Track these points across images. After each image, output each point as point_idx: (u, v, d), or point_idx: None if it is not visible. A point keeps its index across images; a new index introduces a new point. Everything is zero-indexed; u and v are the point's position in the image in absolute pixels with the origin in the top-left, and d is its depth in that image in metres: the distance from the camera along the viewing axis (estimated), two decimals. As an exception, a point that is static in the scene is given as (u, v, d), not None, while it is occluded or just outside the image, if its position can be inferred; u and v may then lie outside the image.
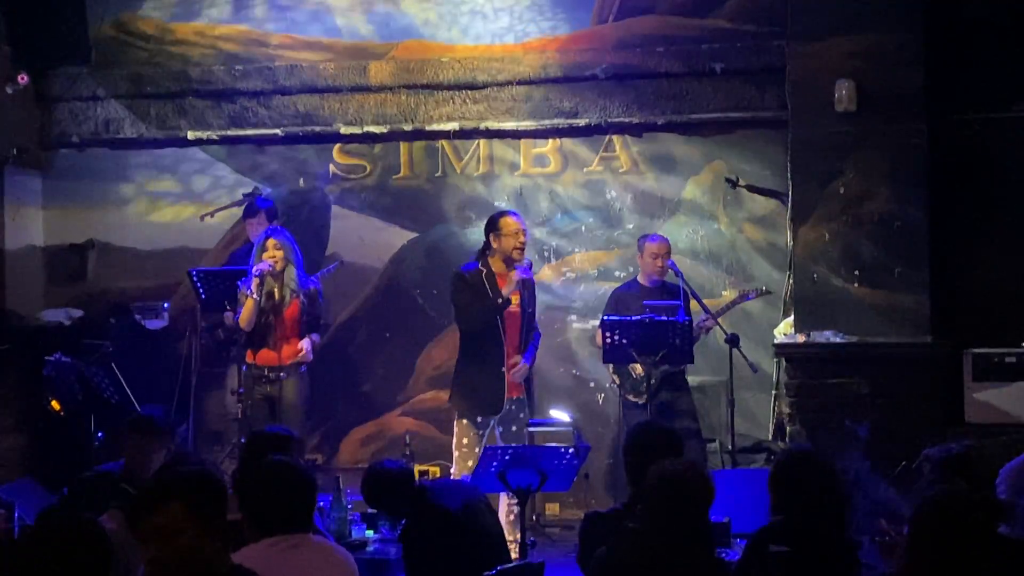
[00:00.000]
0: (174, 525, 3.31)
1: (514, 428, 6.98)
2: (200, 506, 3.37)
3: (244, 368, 7.45)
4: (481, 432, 6.88)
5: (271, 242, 7.35)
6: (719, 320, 7.63)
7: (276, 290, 7.33)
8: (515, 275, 6.95)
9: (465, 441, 6.92)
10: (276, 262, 7.31)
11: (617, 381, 7.66)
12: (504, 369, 6.90)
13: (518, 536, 6.48)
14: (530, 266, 7.16)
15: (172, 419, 6.21)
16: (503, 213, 7.18)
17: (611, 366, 7.68)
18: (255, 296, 7.23)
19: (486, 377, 6.93)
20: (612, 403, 8.28)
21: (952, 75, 7.69)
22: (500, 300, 6.88)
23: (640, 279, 7.77)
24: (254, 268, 7.29)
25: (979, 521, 3.48)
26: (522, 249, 6.99)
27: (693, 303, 7.63)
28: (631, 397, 7.51)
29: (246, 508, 3.83)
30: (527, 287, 7.09)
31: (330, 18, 8.98)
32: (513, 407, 6.98)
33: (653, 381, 7.25)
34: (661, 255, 7.64)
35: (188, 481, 3.44)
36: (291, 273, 7.37)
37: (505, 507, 6.77)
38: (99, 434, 7.58)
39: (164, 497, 3.38)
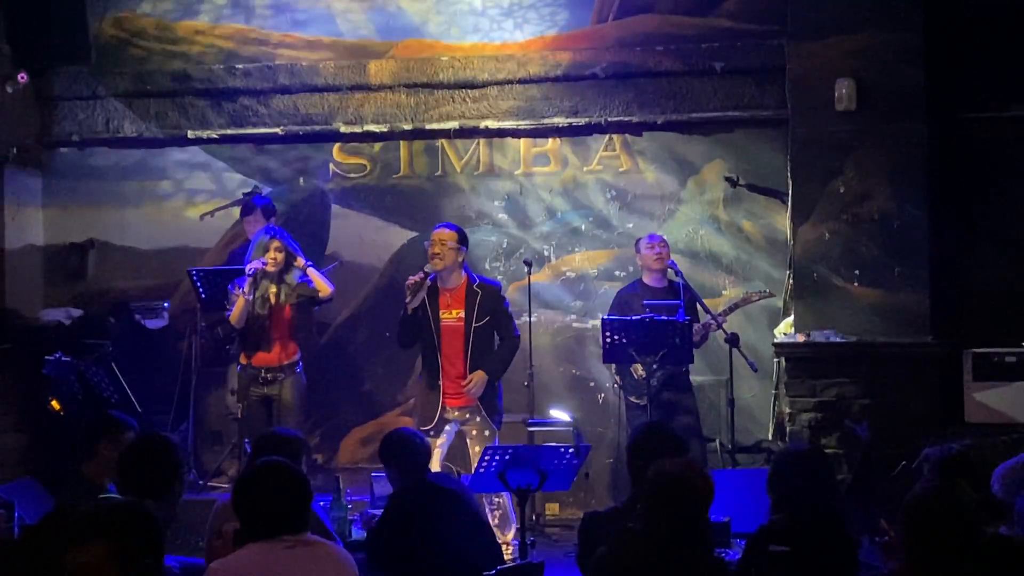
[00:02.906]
0: (95, 565, 3.15)
1: (475, 433, 6.87)
2: (125, 547, 3.19)
3: (239, 369, 7.44)
4: (432, 434, 6.76)
5: (275, 243, 7.31)
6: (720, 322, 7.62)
7: (273, 292, 7.30)
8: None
9: None
10: (276, 264, 7.28)
11: (620, 383, 7.64)
12: (440, 382, 6.85)
13: (507, 536, 6.50)
14: (479, 278, 7.04)
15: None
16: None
17: (613, 367, 7.68)
18: (247, 295, 7.22)
19: (422, 389, 7.01)
20: (612, 403, 8.28)
21: (952, 75, 7.69)
22: (402, 311, 6.90)
23: (645, 279, 7.73)
24: (247, 267, 7.28)
25: (964, 516, 3.48)
26: (432, 257, 6.86)
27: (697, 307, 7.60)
28: (633, 398, 7.49)
29: (240, 510, 3.81)
30: (486, 300, 6.88)
31: (330, 17, 8.97)
32: (468, 415, 6.89)
33: (655, 382, 7.23)
34: (656, 244, 7.63)
35: (113, 519, 3.25)
36: (292, 276, 7.34)
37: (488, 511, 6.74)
38: (99, 434, 7.56)
39: (87, 534, 3.20)
